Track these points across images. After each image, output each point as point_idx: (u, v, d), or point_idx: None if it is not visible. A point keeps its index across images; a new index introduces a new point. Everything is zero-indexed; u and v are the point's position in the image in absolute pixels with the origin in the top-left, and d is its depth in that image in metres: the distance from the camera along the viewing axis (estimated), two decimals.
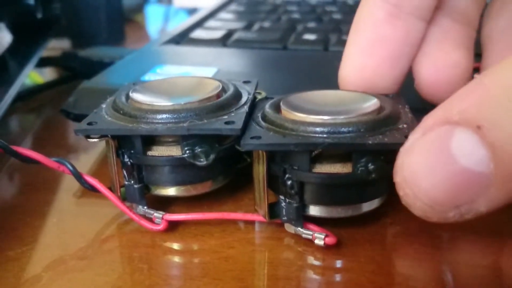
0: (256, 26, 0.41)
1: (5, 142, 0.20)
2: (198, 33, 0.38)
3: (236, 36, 0.37)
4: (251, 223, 0.22)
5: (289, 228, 0.20)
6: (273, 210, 0.20)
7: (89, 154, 0.29)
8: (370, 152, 0.18)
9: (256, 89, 0.23)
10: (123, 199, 0.21)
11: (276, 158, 0.20)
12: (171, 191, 0.21)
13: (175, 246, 0.20)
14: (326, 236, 0.19)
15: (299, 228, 0.20)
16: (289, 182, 0.19)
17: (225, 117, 0.20)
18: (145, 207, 0.21)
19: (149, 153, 0.21)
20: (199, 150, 0.20)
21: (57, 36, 0.47)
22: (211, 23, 0.42)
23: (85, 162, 0.28)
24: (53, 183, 0.25)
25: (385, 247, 0.20)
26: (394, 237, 0.20)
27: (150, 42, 0.38)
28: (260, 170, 0.19)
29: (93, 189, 0.21)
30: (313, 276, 0.18)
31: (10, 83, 0.31)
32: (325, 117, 0.19)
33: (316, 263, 0.19)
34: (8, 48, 0.35)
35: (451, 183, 0.14)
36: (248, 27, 0.40)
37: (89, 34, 0.50)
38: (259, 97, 0.23)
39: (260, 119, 0.20)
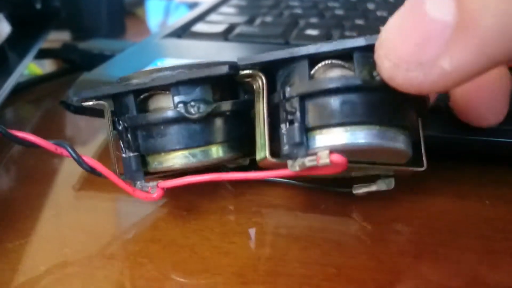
0: (258, 21, 0.40)
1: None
2: (199, 27, 0.38)
3: (237, 30, 0.37)
4: (250, 219, 0.21)
5: (293, 166, 0.18)
6: (274, 153, 0.19)
7: (89, 147, 0.29)
8: (369, 58, 0.17)
9: None
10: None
11: (277, 86, 0.19)
12: (168, 160, 0.20)
13: (175, 240, 0.20)
14: (331, 152, 0.17)
15: (303, 158, 0.18)
16: (288, 103, 0.18)
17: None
18: (142, 181, 0.20)
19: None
20: (192, 103, 0.19)
21: (57, 28, 0.46)
22: (212, 17, 0.42)
23: (84, 154, 0.27)
24: (52, 176, 0.25)
25: (388, 245, 0.20)
26: (396, 235, 0.20)
27: (151, 35, 0.38)
28: (260, 107, 0.19)
29: (92, 170, 0.20)
30: (314, 273, 0.18)
31: (8, 74, 0.31)
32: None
33: (318, 259, 0.19)
34: (7, 39, 0.34)
35: (416, 35, 0.15)
36: (250, 22, 0.40)
37: (89, 27, 0.50)
38: None
39: None
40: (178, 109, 0.19)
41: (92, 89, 0.20)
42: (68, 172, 0.25)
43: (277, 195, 0.22)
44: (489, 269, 0.18)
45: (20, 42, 0.36)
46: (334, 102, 0.18)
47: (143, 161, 0.21)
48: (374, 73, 0.17)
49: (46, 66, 0.44)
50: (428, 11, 0.14)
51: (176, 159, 0.20)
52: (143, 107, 0.20)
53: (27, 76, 0.39)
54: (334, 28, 0.37)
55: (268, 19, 0.41)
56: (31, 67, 0.40)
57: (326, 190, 0.22)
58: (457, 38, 0.14)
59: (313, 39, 0.35)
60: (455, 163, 0.24)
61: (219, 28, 0.37)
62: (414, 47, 0.15)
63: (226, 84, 0.21)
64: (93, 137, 0.29)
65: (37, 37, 0.38)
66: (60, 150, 0.20)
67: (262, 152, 0.19)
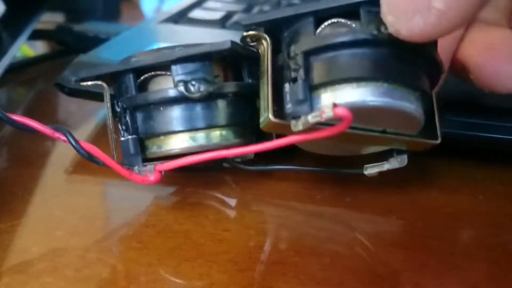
0: (255, 9, 0.40)
1: None
2: (196, 13, 0.38)
3: (235, 18, 0.36)
4: (245, 208, 0.21)
5: (296, 125, 0.17)
6: (278, 113, 0.18)
7: (82, 130, 0.28)
8: (377, 14, 0.17)
9: None
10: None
11: (282, 47, 0.19)
12: (168, 144, 0.20)
13: (169, 226, 0.20)
14: (335, 106, 0.16)
15: (306, 116, 0.17)
16: (292, 61, 0.18)
17: None
18: (140, 165, 0.20)
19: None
20: (193, 82, 0.19)
21: (50, 10, 0.45)
22: (210, 3, 0.42)
23: (78, 136, 0.27)
24: (45, 158, 0.25)
25: (382, 237, 0.20)
26: (391, 227, 0.20)
27: (147, 20, 0.38)
28: (265, 68, 0.18)
29: (90, 157, 0.19)
30: (309, 262, 0.18)
31: (2, 54, 0.30)
32: None
33: (313, 249, 0.19)
34: (1, 19, 0.34)
35: None
36: (248, 10, 0.40)
37: (84, 9, 0.49)
38: None
39: None
40: (178, 87, 0.19)
41: (90, 68, 0.20)
42: (62, 155, 0.25)
43: (273, 185, 0.22)
44: (482, 263, 0.19)
45: (14, 22, 0.35)
46: (339, 58, 0.17)
47: (141, 147, 0.20)
48: (382, 28, 0.17)
49: (37, 48, 0.44)
50: None
51: (176, 142, 0.20)
52: (143, 89, 0.20)
53: (19, 58, 0.39)
54: None
55: (266, 7, 0.40)
56: (23, 48, 0.39)
57: (336, 173, 0.22)
58: None
59: None
60: (449, 158, 0.24)
61: (217, 15, 0.37)
62: None
63: (229, 66, 0.21)
64: (86, 120, 0.29)
65: (31, 17, 0.37)
66: (57, 134, 0.19)
67: (265, 113, 0.18)
